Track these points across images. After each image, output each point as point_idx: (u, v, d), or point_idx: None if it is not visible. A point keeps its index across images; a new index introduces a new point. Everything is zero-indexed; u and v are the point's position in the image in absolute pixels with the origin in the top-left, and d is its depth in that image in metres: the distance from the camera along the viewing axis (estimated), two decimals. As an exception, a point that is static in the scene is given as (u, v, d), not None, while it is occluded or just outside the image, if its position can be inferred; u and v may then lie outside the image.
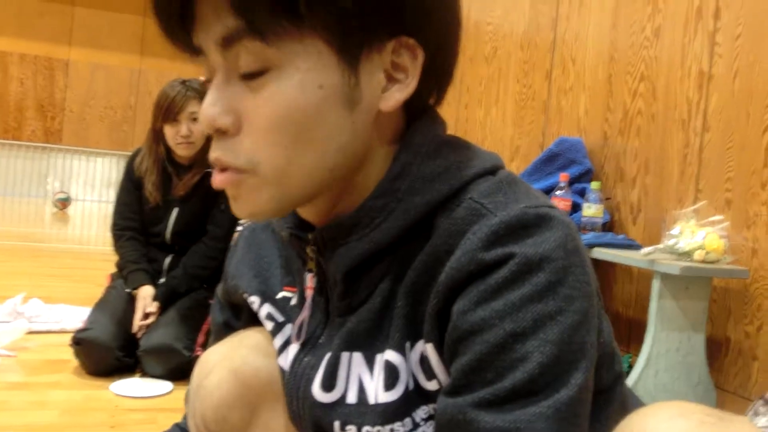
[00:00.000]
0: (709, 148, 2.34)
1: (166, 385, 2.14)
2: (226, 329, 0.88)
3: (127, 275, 2.42)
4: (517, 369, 0.55)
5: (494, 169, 0.66)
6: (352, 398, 0.67)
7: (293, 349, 0.74)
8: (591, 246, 2.34)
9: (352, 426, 0.67)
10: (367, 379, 0.67)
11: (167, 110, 2.42)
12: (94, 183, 8.30)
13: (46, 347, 2.45)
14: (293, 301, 0.77)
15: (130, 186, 2.53)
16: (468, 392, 0.57)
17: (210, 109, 0.60)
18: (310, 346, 0.72)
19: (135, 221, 2.53)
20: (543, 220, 0.58)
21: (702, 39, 2.40)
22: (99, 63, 8.29)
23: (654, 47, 2.62)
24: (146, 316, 2.31)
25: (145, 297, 2.34)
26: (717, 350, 2.21)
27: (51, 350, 2.42)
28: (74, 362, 2.23)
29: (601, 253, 2.31)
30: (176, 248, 2.52)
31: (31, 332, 2.49)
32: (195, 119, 2.42)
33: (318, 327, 0.72)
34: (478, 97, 3.80)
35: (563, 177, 2.64)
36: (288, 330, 0.76)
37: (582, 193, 2.65)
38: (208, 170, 2.38)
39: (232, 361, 0.80)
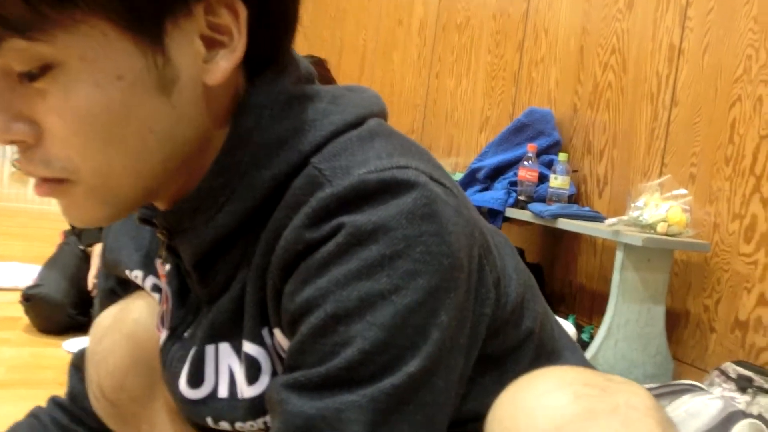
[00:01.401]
0: (676, 123, 2.33)
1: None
2: (112, 296, 0.82)
3: (80, 232, 2.35)
4: (338, 354, 0.49)
5: (358, 122, 0.57)
6: (223, 392, 0.61)
7: (162, 335, 0.68)
8: (555, 217, 2.33)
9: (224, 422, 0.61)
10: (237, 370, 0.60)
11: None
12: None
13: (-3, 304, 2.38)
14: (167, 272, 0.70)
15: None
16: (288, 373, 0.51)
17: None
18: (178, 335, 0.66)
19: None
20: (387, 185, 0.50)
21: (674, 13, 2.39)
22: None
23: (626, 20, 2.60)
24: None
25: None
26: (676, 322, 2.23)
27: (1, 308, 2.35)
28: (25, 320, 2.17)
29: (566, 224, 2.31)
30: None
31: (-20, 290, 2.42)
32: None
33: (188, 315, 0.65)
34: (449, 66, 3.76)
35: (531, 148, 2.63)
36: None
37: (549, 165, 2.64)
38: None
39: (123, 324, 0.75)
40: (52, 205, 5.18)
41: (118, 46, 0.48)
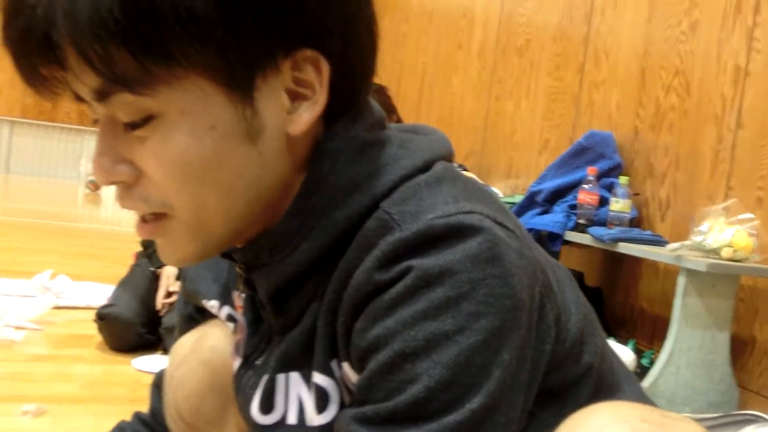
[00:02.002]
0: (742, 146, 2.29)
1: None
2: (191, 322, 0.87)
3: (151, 254, 2.45)
4: (404, 391, 0.51)
5: (426, 166, 0.60)
6: (292, 419, 0.64)
7: (236, 362, 0.72)
8: (616, 241, 2.31)
9: None
10: (306, 399, 0.63)
11: None
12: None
13: (72, 322, 2.48)
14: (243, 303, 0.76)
15: None
16: (357, 406, 0.54)
17: (101, 160, 0.56)
18: (251, 362, 0.70)
19: None
20: (453, 230, 0.52)
21: (740, 34, 2.35)
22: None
23: (689, 42, 2.57)
24: (169, 294, 2.33)
25: (169, 276, 2.36)
26: (742, 349, 2.17)
27: (76, 325, 2.45)
28: (98, 338, 2.26)
29: (627, 248, 2.28)
30: None
31: (57, 307, 2.53)
32: None
33: (261, 343, 0.69)
34: (509, 89, 3.77)
35: (591, 171, 2.61)
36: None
37: (610, 188, 2.62)
38: None
39: (200, 352, 0.80)
40: (123, 226, 5.37)
41: (214, 100, 0.53)
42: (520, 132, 3.62)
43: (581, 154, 2.79)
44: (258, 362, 0.68)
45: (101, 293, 2.77)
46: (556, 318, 0.60)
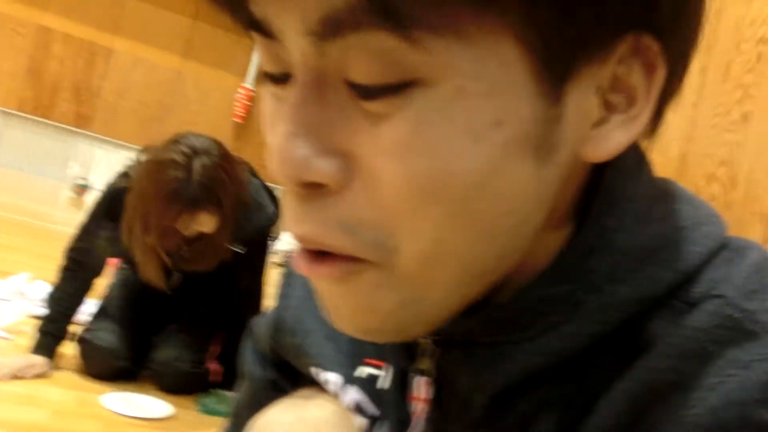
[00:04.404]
0: (790, 249, 2.16)
1: (165, 407, 1.94)
2: (274, 391, 0.61)
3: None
4: None
5: (727, 238, 0.40)
6: None
7: None
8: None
9: None
10: None
11: (165, 206, 1.80)
12: (115, 174, 8.18)
13: (45, 335, 2.26)
14: (383, 383, 0.49)
15: (106, 221, 2.04)
16: None
17: (296, 144, 0.33)
18: None
19: (93, 261, 2.05)
20: None
21: (796, 132, 2.25)
22: (141, 57, 8.26)
23: (739, 132, 2.46)
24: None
25: (33, 365, 1.91)
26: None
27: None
28: (72, 354, 2.04)
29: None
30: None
31: (32, 316, 2.31)
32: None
33: None
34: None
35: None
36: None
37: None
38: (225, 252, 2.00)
39: None
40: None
41: (515, 79, 0.32)
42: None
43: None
44: None
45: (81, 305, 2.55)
46: None
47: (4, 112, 7.72)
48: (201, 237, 1.91)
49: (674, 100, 0.39)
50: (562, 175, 0.36)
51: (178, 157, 1.82)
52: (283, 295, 0.59)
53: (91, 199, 7.51)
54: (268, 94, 0.37)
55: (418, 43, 0.30)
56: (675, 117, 2.90)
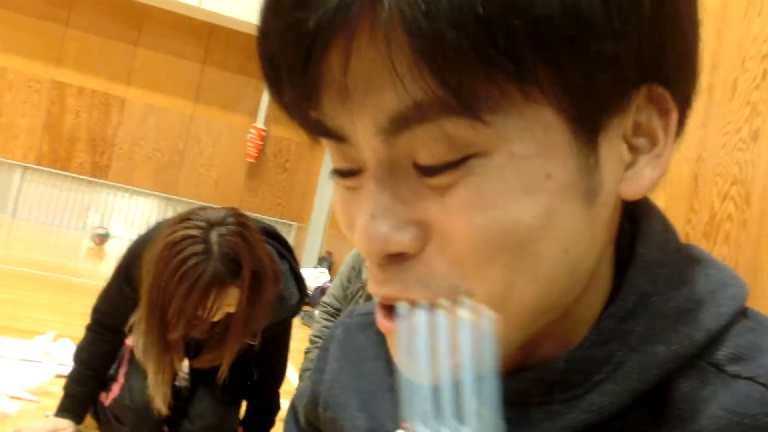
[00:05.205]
0: (810, 265, 2.14)
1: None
2: None
3: (71, 390, 2.00)
4: None
5: (745, 300, 0.44)
6: None
7: None
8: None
9: None
10: None
11: (188, 292, 1.61)
12: (134, 222, 8.26)
13: (71, 395, 2.28)
14: None
15: (126, 289, 1.93)
16: None
17: (377, 224, 0.38)
18: None
19: (119, 322, 1.98)
20: None
21: (808, 147, 2.24)
22: (153, 104, 8.39)
23: (749, 150, 2.46)
24: None
25: (59, 430, 1.93)
26: None
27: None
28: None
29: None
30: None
31: (59, 376, 2.34)
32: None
33: None
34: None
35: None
36: None
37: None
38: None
39: None
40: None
41: (555, 138, 0.38)
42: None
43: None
44: None
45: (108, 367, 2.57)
46: None
47: (23, 167, 7.88)
48: (227, 321, 1.75)
49: (681, 135, 0.45)
50: (607, 216, 0.42)
51: (194, 232, 1.64)
52: (319, 369, 0.62)
53: (111, 247, 7.53)
54: (339, 187, 0.42)
55: (482, 122, 0.36)
56: (684, 138, 2.89)
